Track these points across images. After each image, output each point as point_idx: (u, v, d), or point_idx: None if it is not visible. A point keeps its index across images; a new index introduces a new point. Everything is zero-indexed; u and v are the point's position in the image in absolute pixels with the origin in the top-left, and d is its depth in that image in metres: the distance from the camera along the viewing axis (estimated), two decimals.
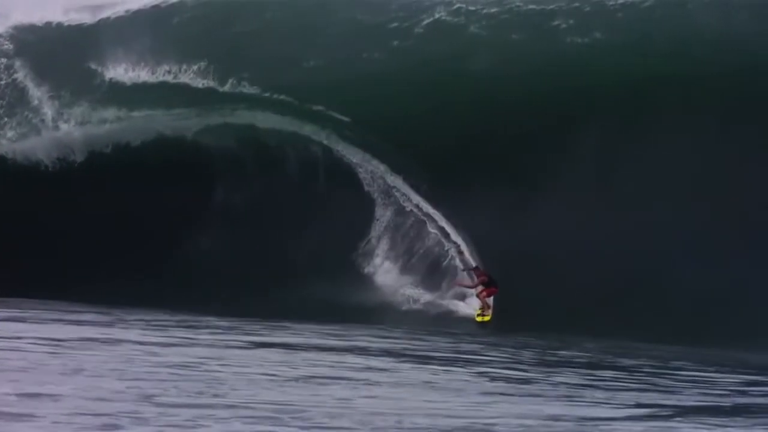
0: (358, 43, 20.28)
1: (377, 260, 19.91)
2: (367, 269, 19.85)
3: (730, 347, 14.09)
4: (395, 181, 20.05)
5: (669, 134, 17.69)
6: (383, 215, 20.05)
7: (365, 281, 19.70)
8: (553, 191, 18.03)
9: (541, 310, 16.85)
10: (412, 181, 19.85)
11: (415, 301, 19.12)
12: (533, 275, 17.57)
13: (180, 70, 21.09)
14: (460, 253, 19.10)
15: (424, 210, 19.74)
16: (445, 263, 19.28)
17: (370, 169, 20.19)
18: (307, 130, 20.57)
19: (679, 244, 17.25)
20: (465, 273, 18.82)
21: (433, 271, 19.36)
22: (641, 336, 14.87)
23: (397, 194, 20.01)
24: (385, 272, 19.81)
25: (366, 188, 20.10)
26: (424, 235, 19.61)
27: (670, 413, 7.81)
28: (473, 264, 18.72)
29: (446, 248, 19.35)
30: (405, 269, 19.66)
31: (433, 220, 19.61)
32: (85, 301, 17.43)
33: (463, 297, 18.93)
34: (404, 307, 19.05)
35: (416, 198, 19.85)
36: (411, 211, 19.85)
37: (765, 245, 16.70)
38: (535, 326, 15.80)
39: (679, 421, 7.45)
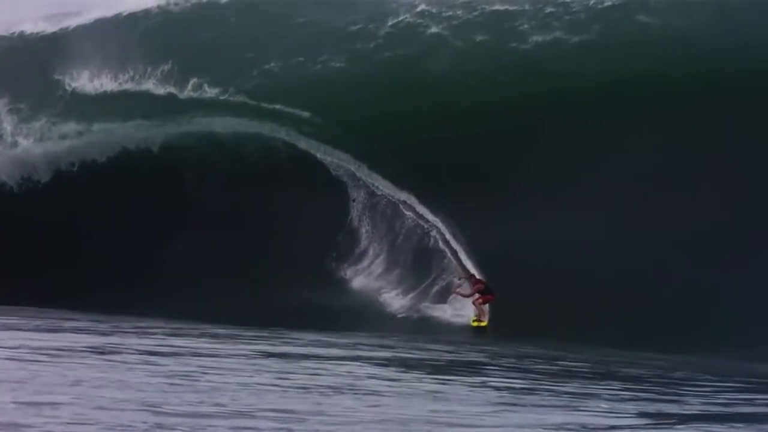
0: (321, 45, 20.34)
1: (363, 243, 19.98)
2: (356, 255, 19.92)
3: (733, 356, 14.02)
4: (360, 168, 20.10)
5: (635, 133, 17.74)
6: (358, 195, 20.11)
7: (357, 273, 19.83)
8: (521, 193, 18.08)
9: (539, 318, 16.83)
10: (378, 168, 19.89)
11: (396, 307, 19.12)
12: (517, 281, 17.57)
13: (145, 75, 21.12)
14: (458, 260, 19.06)
15: (395, 196, 19.83)
16: (430, 244, 19.23)
17: (335, 162, 20.24)
18: (267, 129, 20.60)
19: (675, 248, 17.18)
20: (462, 281, 18.77)
21: (420, 256, 19.34)
22: (643, 345, 14.80)
23: (365, 180, 20.10)
24: (374, 257, 19.88)
25: (334, 173, 20.14)
26: (401, 214, 19.67)
27: (673, 421, 7.76)
28: (470, 272, 18.68)
29: (426, 228, 19.36)
30: (393, 253, 19.68)
31: (406, 204, 19.70)
32: (75, 309, 17.38)
33: (445, 299, 18.93)
34: (388, 309, 19.08)
35: (385, 183, 19.92)
36: (382, 194, 19.95)
37: (763, 247, 16.61)
38: (534, 335, 15.72)
39: (681, 429, 7.40)
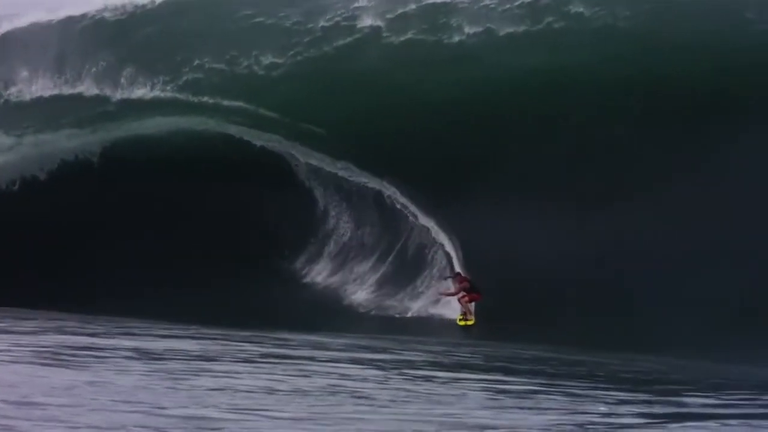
0: (255, 40, 20.32)
1: (321, 203, 20.50)
2: (318, 217, 20.43)
3: (730, 358, 13.97)
4: (294, 146, 20.45)
5: (579, 132, 17.88)
6: (299, 163, 20.52)
7: (325, 237, 20.41)
8: (464, 188, 18.29)
9: (532, 321, 16.81)
10: (311, 145, 20.19)
11: (365, 296, 19.40)
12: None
13: (79, 78, 21.09)
14: (448, 258, 19.05)
15: (332, 167, 20.18)
16: (389, 205, 19.52)
17: (270, 144, 20.56)
18: (198, 122, 20.75)
19: (666, 249, 17.17)
20: (447, 281, 18.77)
21: (383, 218, 19.64)
22: (640, 348, 14.77)
23: (301, 158, 20.46)
24: (336, 217, 20.40)
25: (271, 150, 20.49)
26: (344, 178, 20.06)
27: (670, 420, 7.74)
28: (455, 270, 18.66)
29: (376, 189, 19.66)
30: (353, 211, 20.15)
31: (346, 175, 20.03)
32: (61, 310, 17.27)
33: (417, 293, 19.03)
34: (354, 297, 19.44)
35: (320, 156, 20.23)
36: (319, 166, 20.36)
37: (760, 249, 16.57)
38: (529, 337, 15.67)
39: (676, 428, 7.38)
